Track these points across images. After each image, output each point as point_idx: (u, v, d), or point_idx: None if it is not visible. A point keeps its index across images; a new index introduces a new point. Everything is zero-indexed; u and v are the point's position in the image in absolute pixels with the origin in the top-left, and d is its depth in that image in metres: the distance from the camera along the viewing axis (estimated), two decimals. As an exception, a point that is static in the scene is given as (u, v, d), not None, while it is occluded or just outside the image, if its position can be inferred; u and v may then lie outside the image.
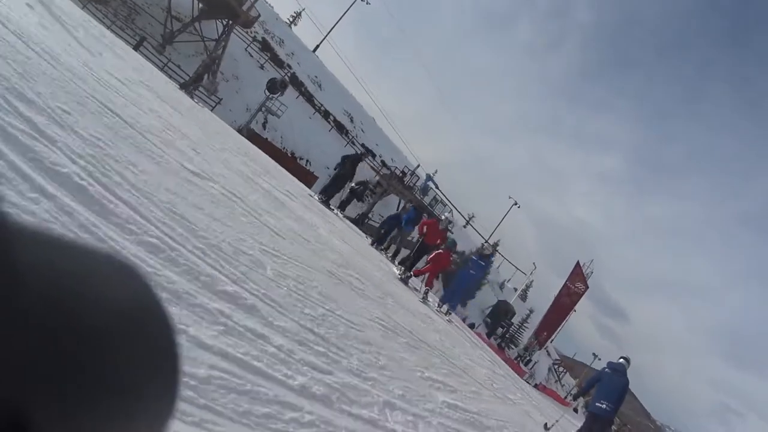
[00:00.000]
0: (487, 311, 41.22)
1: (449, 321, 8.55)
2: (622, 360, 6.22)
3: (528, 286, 53.98)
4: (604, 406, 5.83)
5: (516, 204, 44.47)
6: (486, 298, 42.77)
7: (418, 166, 29.34)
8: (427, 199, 25.30)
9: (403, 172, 26.09)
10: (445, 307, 9.44)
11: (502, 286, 44.96)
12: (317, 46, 38.61)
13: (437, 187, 26.84)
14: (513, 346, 42.68)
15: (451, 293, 10.55)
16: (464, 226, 37.82)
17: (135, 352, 0.20)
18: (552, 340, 46.52)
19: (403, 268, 8.78)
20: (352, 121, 35.66)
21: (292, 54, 34.03)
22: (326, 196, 10.45)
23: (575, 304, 43.15)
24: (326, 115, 31.56)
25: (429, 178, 25.91)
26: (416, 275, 9.02)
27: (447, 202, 28.30)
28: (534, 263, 45.24)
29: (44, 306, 0.17)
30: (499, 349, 35.88)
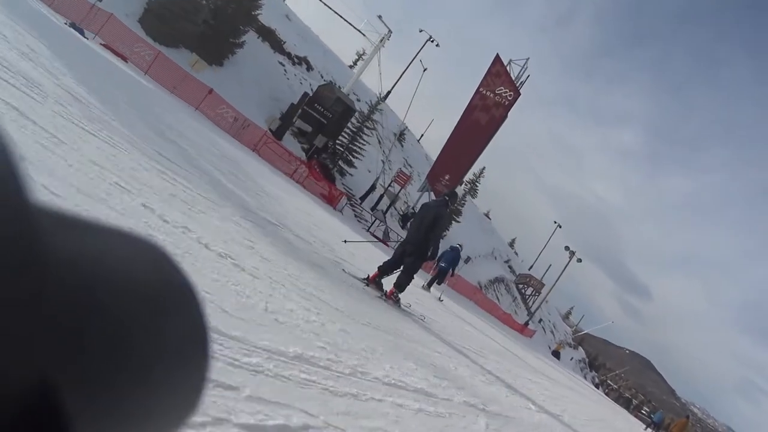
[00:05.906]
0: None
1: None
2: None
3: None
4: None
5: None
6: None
7: None
8: None
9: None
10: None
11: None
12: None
13: None
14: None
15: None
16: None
17: (163, 330, 0.20)
18: (462, 183, 28.02)
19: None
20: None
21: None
22: None
23: (499, 123, 23.83)
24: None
25: None
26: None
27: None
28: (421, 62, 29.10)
29: (69, 285, 0.17)
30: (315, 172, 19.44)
